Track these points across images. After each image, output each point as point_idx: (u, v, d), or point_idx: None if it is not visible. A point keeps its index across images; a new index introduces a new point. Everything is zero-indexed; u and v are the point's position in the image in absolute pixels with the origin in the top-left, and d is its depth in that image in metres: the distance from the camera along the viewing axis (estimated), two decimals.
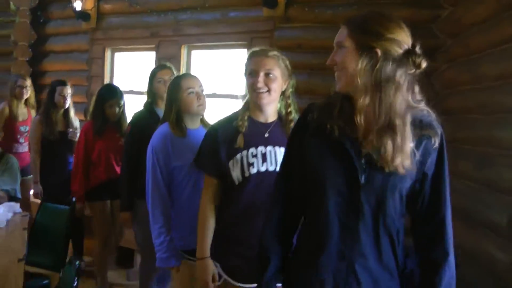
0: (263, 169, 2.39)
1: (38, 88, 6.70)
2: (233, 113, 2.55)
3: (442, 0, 4.19)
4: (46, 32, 6.94)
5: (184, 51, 5.76)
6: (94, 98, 4.45)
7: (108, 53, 6.43)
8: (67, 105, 5.01)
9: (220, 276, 2.50)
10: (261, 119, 2.48)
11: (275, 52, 2.46)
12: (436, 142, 1.66)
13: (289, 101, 2.53)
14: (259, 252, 1.89)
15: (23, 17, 6.79)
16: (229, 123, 2.46)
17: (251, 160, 2.38)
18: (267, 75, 2.37)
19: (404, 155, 1.59)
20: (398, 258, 1.73)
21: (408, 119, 1.61)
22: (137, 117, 3.90)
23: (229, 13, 5.41)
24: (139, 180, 3.54)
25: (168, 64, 4.07)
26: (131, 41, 6.21)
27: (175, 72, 3.95)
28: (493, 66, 3.25)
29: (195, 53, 5.81)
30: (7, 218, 3.48)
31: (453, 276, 1.69)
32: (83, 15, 6.24)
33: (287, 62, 2.49)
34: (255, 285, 1.94)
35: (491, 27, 3.30)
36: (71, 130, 4.96)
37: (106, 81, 6.35)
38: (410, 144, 1.60)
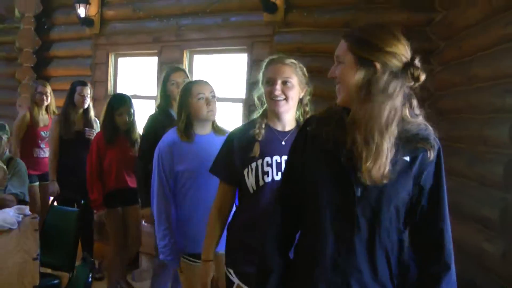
0: (277, 178, 2.37)
1: None
2: (251, 120, 2.56)
3: (436, 4, 4.31)
4: (50, 38, 7.06)
5: (186, 56, 5.87)
6: (104, 108, 4.51)
7: (111, 58, 6.54)
8: (86, 105, 5.08)
9: (232, 283, 2.49)
10: (279, 127, 2.47)
11: (292, 60, 2.44)
12: (432, 155, 1.66)
13: (307, 109, 2.54)
14: (260, 264, 1.90)
15: (28, 24, 6.90)
16: (247, 130, 2.46)
17: (266, 169, 2.37)
18: (284, 83, 2.37)
19: (380, 167, 1.59)
20: (393, 273, 1.70)
21: (392, 131, 1.62)
22: (152, 119, 3.96)
23: (230, 18, 5.52)
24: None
25: (181, 66, 4.18)
26: (134, 46, 6.33)
27: (188, 75, 4.02)
28: (484, 68, 3.36)
29: (197, 58, 5.92)
30: (18, 220, 3.56)
31: None
32: (87, 21, 6.35)
33: (304, 70, 2.47)
34: None
35: (483, 30, 3.41)
36: (87, 129, 5.01)
37: (110, 86, 6.47)
38: (387, 157, 1.60)
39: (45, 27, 7.04)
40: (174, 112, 3.75)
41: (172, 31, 5.91)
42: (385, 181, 1.61)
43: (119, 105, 4.40)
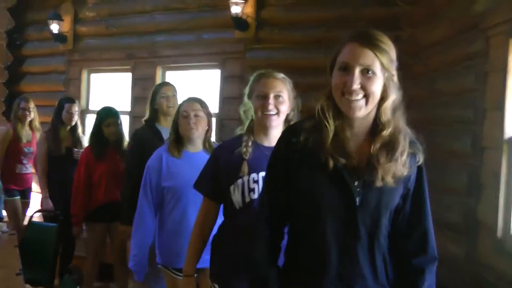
0: None
1: None
2: (237, 136, 2.51)
3: (402, 23, 4.51)
4: (22, 54, 7.06)
5: (159, 72, 5.97)
6: (94, 122, 4.50)
7: (84, 74, 6.59)
8: (74, 122, 5.04)
9: None
10: (265, 142, 2.42)
11: (283, 75, 2.42)
12: (421, 158, 1.70)
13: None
14: (254, 276, 1.87)
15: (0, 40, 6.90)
16: (233, 147, 2.42)
17: (252, 185, 2.35)
18: (276, 97, 2.34)
19: (398, 171, 1.62)
20: (389, 274, 1.73)
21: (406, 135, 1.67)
22: (138, 133, 3.98)
23: (202, 35, 5.66)
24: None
25: (170, 82, 4.20)
26: (107, 63, 6.39)
27: (176, 90, 4.04)
28: (449, 83, 3.56)
29: (169, 74, 6.03)
30: None
31: (433, 282, 1.75)
32: (60, 37, 6.40)
33: (292, 85, 2.44)
34: None
35: (447, 48, 3.61)
36: (76, 150, 4.97)
37: (83, 101, 6.49)
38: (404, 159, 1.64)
39: (17, 43, 7.04)
40: (160, 126, 3.86)
41: (145, 47, 6.01)
42: (394, 186, 1.64)
43: (107, 116, 4.40)
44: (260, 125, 2.40)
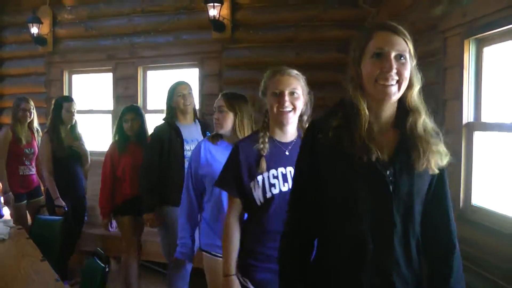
0: (285, 189, 2.39)
1: None
2: (253, 132, 2.58)
3: (367, 24, 4.94)
4: (1, 57, 7.15)
5: (140, 72, 6.26)
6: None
7: (65, 76, 6.77)
8: (74, 121, 5.04)
9: None
10: (282, 138, 2.47)
11: (296, 71, 2.44)
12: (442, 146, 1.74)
13: (305, 118, 2.54)
14: (282, 276, 1.85)
15: None
16: (250, 143, 2.46)
17: (273, 181, 2.39)
18: (291, 94, 2.37)
19: (435, 153, 1.67)
20: (421, 260, 1.74)
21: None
22: (158, 129, 4.10)
23: (181, 36, 5.99)
24: (166, 189, 3.93)
25: (186, 81, 4.34)
26: (88, 64, 6.60)
27: (192, 88, 4.21)
28: None
29: (150, 73, 6.32)
30: (8, 231, 3.80)
31: (460, 265, 1.76)
32: (39, 39, 6.54)
33: (305, 81, 2.47)
34: None
35: None
36: (77, 143, 5.04)
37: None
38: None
39: None
40: (179, 123, 4.07)
41: (125, 48, 6.27)
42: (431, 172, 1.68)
43: (126, 112, 4.58)
44: (276, 121, 2.43)
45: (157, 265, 5.54)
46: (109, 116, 6.42)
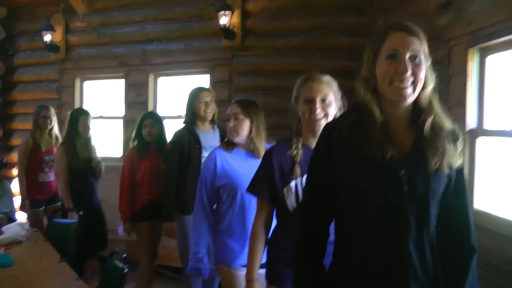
0: None
1: (8, 117, 7.22)
2: (286, 138, 2.50)
3: (375, 30, 5.02)
4: (14, 64, 7.28)
5: (151, 79, 6.39)
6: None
7: (77, 82, 6.90)
8: (89, 134, 5.05)
9: None
10: (314, 144, 2.30)
11: (328, 77, 2.40)
12: (459, 147, 1.72)
13: None
14: (295, 277, 1.84)
15: None
16: (283, 149, 2.43)
17: None
18: (323, 100, 2.34)
19: (450, 154, 1.66)
20: (436, 265, 1.71)
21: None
22: (177, 135, 4.04)
23: (192, 43, 6.11)
24: (181, 196, 3.89)
25: (209, 87, 4.36)
26: (100, 70, 6.72)
27: (214, 95, 4.16)
28: None
29: (161, 80, 6.45)
30: (25, 233, 3.89)
31: (475, 274, 1.72)
32: (52, 47, 6.66)
33: (337, 86, 2.44)
34: None
35: None
36: (94, 158, 5.07)
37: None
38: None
39: (9, 53, 7.25)
40: (198, 129, 4.02)
41: (137, 55, 6.40)
42: (445, 172, 1.66)
43: (144, 118, 4.62)
44: (308, 128, 2.40)
45: (170, 270, 5.57)
46: (120, 121, 6.56)
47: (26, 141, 5.33)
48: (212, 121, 4.14)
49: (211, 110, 4.06)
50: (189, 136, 3.98)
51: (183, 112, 4.18)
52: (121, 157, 6.28)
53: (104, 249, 4.93)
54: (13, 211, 4.56)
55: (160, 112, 6.18)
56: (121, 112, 6.57)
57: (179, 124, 4.23)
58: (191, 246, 3.13)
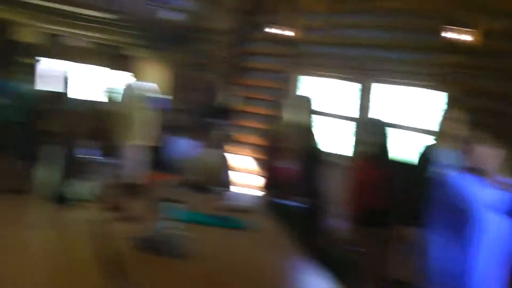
0: None
1: None
2: None
3: None
4: (249, 51, 7.99)
5: (378, 86, 6.64)
6: None
7: (304, 77, 7.39)
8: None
9: None
10: None
11: None
12: None
13: None
14: None
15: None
16: None
17: None
18: None
19: None
20: None
21: None
22: (424, 151, 4.20)
23: (418, 55, 6.21)
24: (409, 208, 3.90)
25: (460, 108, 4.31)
26: (329, 70, 7.12)
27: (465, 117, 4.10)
28: None
29: (388, 88, 6.66)
30: None
31: None
32: (289, 41, 7.22)
33: None
34: None
35: None
36: None
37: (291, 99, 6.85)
38: None
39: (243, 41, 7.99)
40: (438, 149, 4.01)
41: (368, 60, 6.61)
42: None
43: (369, 125, 4.86)
44: None
45: None
46: (347, 122, 6.82)
47: None
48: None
49: (460, 130, 4.00)
50: (428, 155, 4.06)
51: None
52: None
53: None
54: None
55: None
56: (350, 113, 6.81)
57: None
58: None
